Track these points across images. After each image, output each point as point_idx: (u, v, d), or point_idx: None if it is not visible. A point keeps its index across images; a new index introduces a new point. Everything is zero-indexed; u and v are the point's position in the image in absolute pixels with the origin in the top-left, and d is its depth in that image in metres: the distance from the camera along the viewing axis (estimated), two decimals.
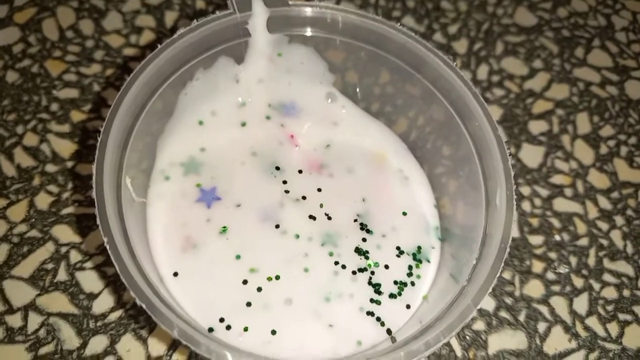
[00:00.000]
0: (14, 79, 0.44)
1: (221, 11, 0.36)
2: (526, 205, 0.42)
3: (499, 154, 0.33)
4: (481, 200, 0.33)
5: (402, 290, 0.35)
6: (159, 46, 0.34)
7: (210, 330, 0.32)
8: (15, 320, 0.35)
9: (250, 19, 0.36)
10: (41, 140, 0.41)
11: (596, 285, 0.39)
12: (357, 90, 0.41)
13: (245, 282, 0.34)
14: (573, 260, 0.40)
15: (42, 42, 0.46)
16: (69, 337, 0.35)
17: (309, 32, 0.38)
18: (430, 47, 0.36)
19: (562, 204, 0.42)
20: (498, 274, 0.29)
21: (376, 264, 0.35)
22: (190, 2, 0.49)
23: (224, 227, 0.35)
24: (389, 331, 0.33)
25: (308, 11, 0.37)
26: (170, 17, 0.49)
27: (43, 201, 0.39)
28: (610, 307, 0.39)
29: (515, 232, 0.41)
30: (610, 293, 0.39)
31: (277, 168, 0.38)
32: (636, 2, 0.54)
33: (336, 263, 0.35)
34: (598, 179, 0.44)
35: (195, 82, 0.37)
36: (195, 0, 0.50)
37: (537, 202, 0.42)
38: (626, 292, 0.39)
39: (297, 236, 0.36)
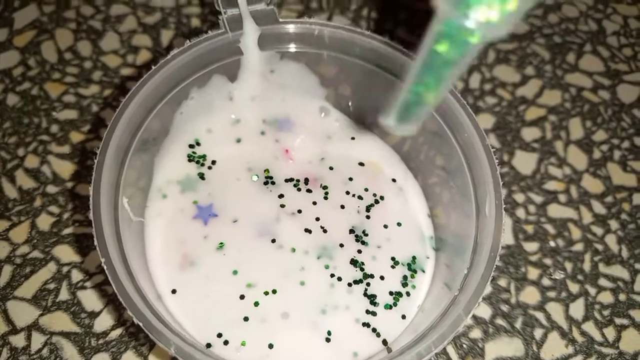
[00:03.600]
0: (14, 101, 0.45)
1: (214, 30, 0.36)
2: (520, 212, 0.42)
3: (487, 164, 0.33)
4: (472, 210, 0.33)
5: (398, 301, 0.35)
6: (154, 67, 0.35)
7: (208, 345, 0.32)
8: (18, 340, 0.36)
9: (242, 38, 0.37)
10: (42, 162, 0.42)
11: (592, 290, 0.40)
12: (350, 103, 0.42)
13: (242, 297, 0.34)
14: (568, 265, 0.40)
15: (42, 64, 0.47)
16: (72, 356, 0.36)
17: (300, 48, 0.39)
18: None
19: (556, 210, 0.43)
20: (488, 282, 0.29)
21: (373, 270, 0.36)
22: (185, 21, 0.50)
23: (221, 243, 0.36)
24: (384, 342, 0.34)
25: (298, 28, 0.37)
26: (166, 36, 0.49)
27: (44, 222, 0.40)
28: (606, 312, 0.39)
29: (510, 239, 0.41)
30: (606, 298, 0.40)
31: (273, 183, 0.39)
32: (627, 6, 0.54)
33: (332, 275, 0.36)
34: (592, 184, 0.44)
35: (190, 100, 0.38)
36: (191, 18, 0.51)
37: (532, 208, 0.43)
38: (622, 297, 0.40)
39: (293, 250, 0.36)
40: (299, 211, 0.38)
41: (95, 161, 0.31)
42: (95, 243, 0.29)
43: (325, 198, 0.39)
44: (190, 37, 0.36)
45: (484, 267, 0.30)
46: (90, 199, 0.30)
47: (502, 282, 0.40)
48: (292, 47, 0.39)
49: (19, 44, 0.48)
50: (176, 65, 0.36)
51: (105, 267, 0.28)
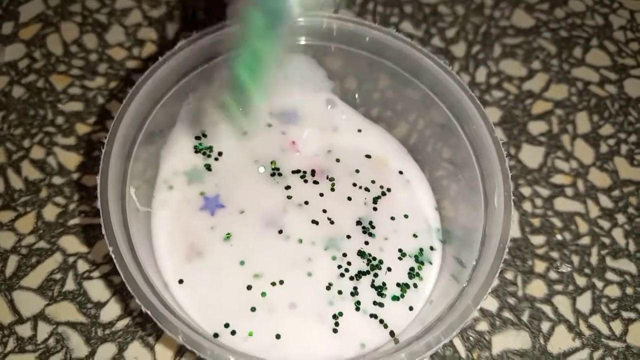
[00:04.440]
0: (20, 93, 0.45)
1: (220, 22, 0.36)
2: (527, 206, 0.42)
3: (496, 156, 0.33)
4: (480, 202, 0.33)
5: (405, 292, 0.35)
6: (160, 58, 0.35)
7: (216, 335, 0.32)
8: (25, 330, 0.36)
9: None
10: (48, 153, 0.42)
11: (599, 284, 0.40)
12: (357, 96, 0.41)
13: (249, 287, 0.34)
14: (575, 259, 0.40)
15: (47, 57, 0.47)
16: (78, 346, 0.36)
17: (307, 41, 0.38)
18: (427, 52, 0.36)
19: (563, 204, 0.43)
20: (497, 274, 0.29)
21: (380, 262, 0.36)
22: (190, 14, 0.50)
23: (228, 233, 0.36)
24: (392, 333, 0.34)
25: (305, 21, 0.37)
26: (171, 29, 0.49)
27: (50, 213, 0.40)
28: (613, 305, 0.39)
29: (516, 233, 0.41)
30: (613, 291, 0.39)
31: (280, 174, 0.39)
32: (633, 1, 0.54)
33: (339, 267, 0.35)
34: (599, 178, 0.44)
35: (197, 92, 0.38)
36: (196, 11, 0.50)
37: (538, 202, 0.42)
38: (629, 290, 0.40)
39: (300, 241, 0.36)
40: (306, 202, 0.38)
41: (103, 152, 0.31)
42: (103, 232, 0.29)
43: (332, 190, 0.38)
44: (196, 30, 0.36)
45: (493, 259, 0.30)
46: (98, 188, 0.30)
47: (509, 275, 0.40)
48: (299, 40, 0.38)
49: (25, 37, 0.48)
50: (183, 57, 0.36)
51: (113, 256, 0.28)
